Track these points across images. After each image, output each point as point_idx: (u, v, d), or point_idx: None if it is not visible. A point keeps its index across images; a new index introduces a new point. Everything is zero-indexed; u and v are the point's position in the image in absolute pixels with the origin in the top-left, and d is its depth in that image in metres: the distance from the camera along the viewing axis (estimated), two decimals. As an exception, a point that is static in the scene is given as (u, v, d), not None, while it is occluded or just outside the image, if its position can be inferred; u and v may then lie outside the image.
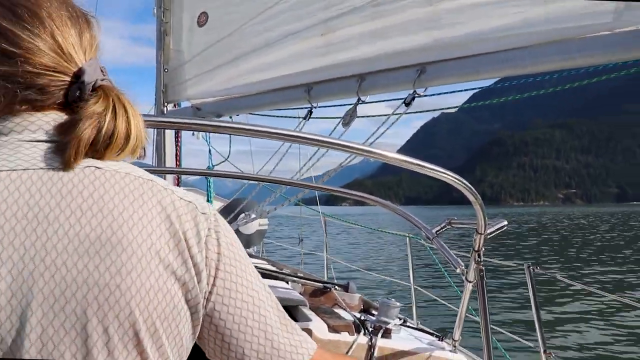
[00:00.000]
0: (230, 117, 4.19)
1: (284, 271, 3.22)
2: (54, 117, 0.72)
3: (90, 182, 0.68)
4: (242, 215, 4.61)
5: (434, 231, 2.08)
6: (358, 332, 2.33)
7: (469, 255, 2.02)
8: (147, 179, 0.75)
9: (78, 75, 0.73)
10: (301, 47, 3.31)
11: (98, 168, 0.70)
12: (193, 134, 4.77)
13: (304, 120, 3.51)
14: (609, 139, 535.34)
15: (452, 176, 1.54)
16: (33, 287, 0.61)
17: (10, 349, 0.60)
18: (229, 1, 3.86)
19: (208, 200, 4.92)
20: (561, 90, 2.97)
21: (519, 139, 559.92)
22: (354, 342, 2.23)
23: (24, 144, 0.68)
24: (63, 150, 0.68)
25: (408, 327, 2.76)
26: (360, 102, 3.09)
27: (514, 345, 4.54)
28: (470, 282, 2.05)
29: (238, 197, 5.19)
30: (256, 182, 4.11)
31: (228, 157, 4.68)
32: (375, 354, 2.22)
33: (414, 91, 2.79)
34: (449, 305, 5.09)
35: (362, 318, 2.50)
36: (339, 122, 3.23)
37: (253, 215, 4.51)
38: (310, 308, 2.54)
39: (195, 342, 0.79)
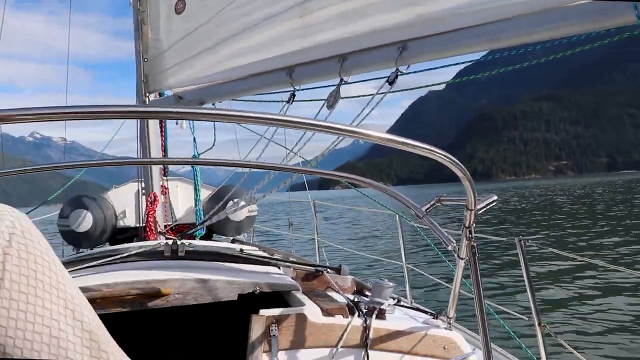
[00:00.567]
0: (213, 104, 4.16)
1: (275, 256, 3.23)
2: None
3: None
4: (231, 202, 4.60)
5: (423, 209, 2.07)
6: (352, 314, 2.33)
7: (460, 232, 2.03)
8: None
9: None
10: (280, 30, 3.28)
11: None
12: (177, 122, 4.74)
13: (288, 104, 3.49)
14: (596, 108, 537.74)
15: (438, 153, 1.52)
16: None
17: None
18: (205, -14, 3.82)
19: (195, 189, 4.91)
20: (545, 62, 2.96)
21: (507, 113, 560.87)
22: (348, 324, 2.24)
23: None
24: None
25: (402, 306, 2.78)
26: (343, 82, 3.07)
27: (508, 319, 4.59)
28: (462, 259, 2.06)
29: (226, 184, 5.19)
30: (244, 170, 4.10)
31: (213, 145, 4.66)
32: (371, 335, 2.23)
33: (397, 69, 2.78)
34: (442, 282, 5.13)
35: (356, 300, 2.50)
36: (323, 105, 3.21)
37: (242, 203, 4.51)
38: (303, 292, 2.55)
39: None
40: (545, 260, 13.52)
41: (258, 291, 2.43)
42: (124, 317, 2.75)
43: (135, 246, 3.28)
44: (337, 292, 2.75)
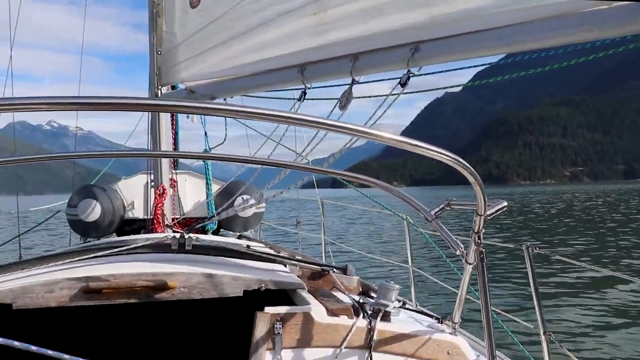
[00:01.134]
0: (225, 100, 4.19)
1: (281, 254, 3.25)
2: None
3: None
4: (240, 199, 4.63)
5: (432, 213, 2.07)
6: (357, 315, 2.34)
7: (469, 237, 2.04)
8: None
9: None
10: (294, 27, 3.30)
11: None
12: (187, 116, 4.79)
13: (299, 102, 3.51)
14: (615, 115, 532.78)
15: (450, 156, 1.53)
16: None
17: None
18: (221, -19, 3.84)
19: (207, 183, 4.96)
20: (567, 66, 2.95)
21: (523, 117, 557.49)
22: (353, 325, 2.25)
23: None
24: None
25: (407, 309, 2.79)
26: (355, 82, 3.09)
27: (513, 327, 4.59)
28: (470, 264, 2.06)
29: (236, 180, 5.22)
30: (255, 166, 4.12)
31: (224, 140, 4.69)
32: (375, 337, 2.24)
33: (409, 70, 2.78)
34: (447, 286, 5.14)
35: (361, 301, 2.52)
36: (336, 105, 3.23)
37: (252, 201, 4.55)
38: (308, 291, 2.57)
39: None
40: (553, 268, 13.46)
41: (263, 288, 2.45)
42: (129, 309, 2.79)
43: (142, 238, 3.32)
44: (342, 292, 2.77)
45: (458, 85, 3.60)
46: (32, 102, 1.09)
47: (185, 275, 2.40)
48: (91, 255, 2.71)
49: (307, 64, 3.27)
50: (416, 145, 1.44)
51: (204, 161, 5.01)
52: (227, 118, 4.50)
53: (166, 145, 4.83)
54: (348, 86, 3.12)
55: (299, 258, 3.24)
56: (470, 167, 1.62)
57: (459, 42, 2.60)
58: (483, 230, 1.97)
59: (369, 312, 2.38)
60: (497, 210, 1.95)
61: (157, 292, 2.34)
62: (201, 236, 3.44)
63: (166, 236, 3.03)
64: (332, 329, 2.24)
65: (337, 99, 3.26)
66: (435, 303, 9.56)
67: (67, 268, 2.53)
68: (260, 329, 2.16)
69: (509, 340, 4.36)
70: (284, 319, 2.19)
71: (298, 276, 2.83)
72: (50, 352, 1.53)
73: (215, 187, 5.31)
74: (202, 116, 4.73)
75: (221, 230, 5.66)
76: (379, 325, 2.28)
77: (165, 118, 4.80)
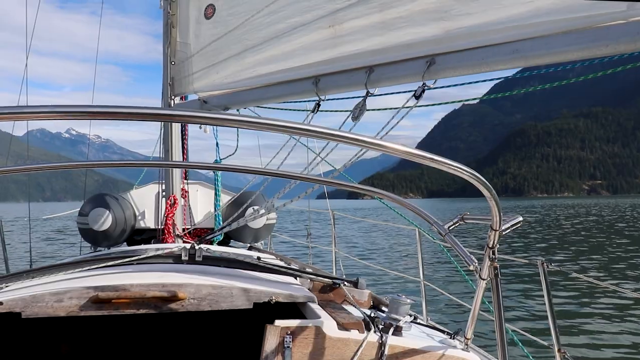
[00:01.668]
0: (238, 110, 4.25)
1: (292, 266, 3.27)
2: None
3: None
4: (250, 210, 4.67)
5: (446, 227, 2.08)
6: (368, 329, 2.35)
7: (482, 251, 2.04)
8: None
9: None
10: (308, 39, 3.35)
11: None
12: (200, 127, 4.85)
13: (312, 114, 3.55)
14: (636, 127, 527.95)
15: (466, 171, 1.54)
16: None
17: None
18: (236, -8, 3.91)
19: (216, 195, 5.00)
20: (584, 79, 2.96)
21: (542, 129, 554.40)
22: (364, 340, 2.25)
23: None
24: None
25: (419, 324, 2.79)
26: (370, 94, 3.12)
27: (527, 343, 4.55)
28: (483, 279, 2.07)
29: (246, 191, 5.27)
30: (265, 176, 4.15)
31: (235, 150, 4.74)
32: (386, 352, 2.25)
33: (424, 83, 2.82)
34: (459, 301, 5.12)
35: (372, 315, 2.52)
36: (349, 116, 3.26)
37: (262, 211, 4.58)
38: (319, 304, 2.58)
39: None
40: (569, 284, 13.33)
41: (274, 301, 2.47)
42: (138, 319, 2.82)
43: (152, 248, 3.36)
44: (353, 306, 2.77)
45: (473, 99, 3.62)
46: (45, 110, 1.12)
47: (194, 287, 2.42)
48: (101, 265, 2.74)
49: (321, 76, 3.32)
50: (432, 159, 1.44)
51: (213, 172, 5.06)
52: (239, 129, 4.56)
53: (177, 155, 4.88)
54: (362, 98, 3.15)
55: (310, 270, 3.26)
56: (486, 182, 1.64)
57: (475, 55, 2.63)
58: (497, 246, 1.98)
59: (380, 327, 2.38)
60: (512, 225, 1.96)
61: (167, 303, 2.36)
62: (212, 247, 3.48)
63: (177, 247, 3.07)
64: (343, 343, 2.24)
65: (350, 110, 3.29)
66: (447, 318, 9.52)
67: (77, 277, 2.57)
68: (270, 342, 2.17)
69: (523, 357, 4.33)
70: (294, 332, 2.20)
71: (309, 289, 2.84)
72: None
73: (226, 198, 5.36)
74: (215, 127, 4.78)
75: (231, 241, 5.70)
76: (390, 340, 2.28)
77: (176, 128, 4.86)
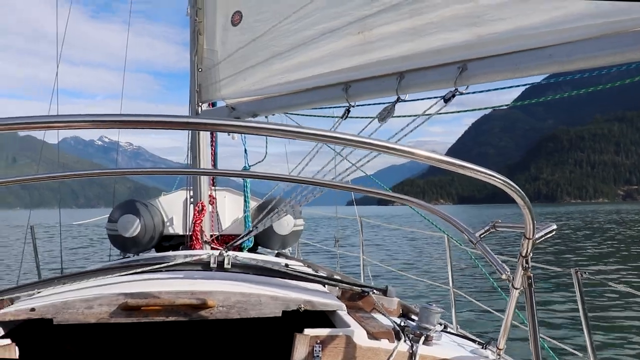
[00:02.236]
0: (266, 117, 4.29)
1: (320, 273, 3.28)
2: None
3: None
4: (275, 213, 4.71)
5: (477, 235, 2.07)
6: (398, 339, 2.34)
7: (513, 258, 2.02)
8: None
9: None
10: (338, 46, 3.37)
11: None
12: (228, 134, 4.90)
13: (341, 119, 3.57)
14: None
15: (499, 178, 1.53)
16: None
17: None
18: (263, 0, 3.95)
19: (245, 201, 5.06)
20: (620, 83, 2.92)
21: (575, 133, 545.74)
22: (394, 349, 2.25)
23: None
24: None
25: (449, 333, 2.78)
26: (400, 100, 3.13)
27: (562, 354, 4.48)
28: (517, 288, 2.05)
29: (272, 196, 5.31)
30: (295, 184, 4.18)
31: (264, 157, 4.78)
32: None
33: (456, 89, 2.82)
34: (488, 309, 5.07)
35: (402, 324, 2.52)
36: (375, 118, 3.28)
37: (289, 216, 4.61)
38: (347, 313, 2.58)
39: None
40: (605, 294, 13.05)
41: (302, 309, 2.48)
42: (166, 327, 2.86)
43: (180, 254, 3.40)
44: (382, 314, 2.77)
45: (504, 105, 3.59)
46: (75, 120, 1.16)
47: (223, 294, 2.45)
48: (131, 272, 2.79)
49: (351, 82, 3.34)
50: (463, 166, 1.44)
51: (243, 179, 5.11)
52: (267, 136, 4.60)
53: (205, 162, 4.95)
54: (391, 103, 3.16)
55: (338, 278, 3.26)
56: (520, 190, 1.63)
57: (508, 60, 2.63)
58: (531, 255, 1.96)
59: (411, 336, 2.38)
60: (546, 234, 1.94)
61: (196, 311, 2.39)
62: (240, 254, 3.51)
63: (205, 254, 3.10)
64: (373, 352, 2.24)
65: (377, 115, 3.30)
66: (476, 327, 9.42)
67: (107, 284, 2.62)
68: (300, 351, 2.18)
69: (560, 364, 4.26)
70: (323, 341, 2.21)
71: (337, 297, 2.85)
72: None
73: (253, 204, 5.40)
74: (243, 134, 4.83)
75: (259, 247, 5.74)
76: (421, 349, 2.28)
77: (205, 136, 4.93)
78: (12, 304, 2.48)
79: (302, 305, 2.49)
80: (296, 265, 3.53)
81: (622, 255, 24.57)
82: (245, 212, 5.06)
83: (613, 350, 8.95)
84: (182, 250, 5.05)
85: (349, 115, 3.52)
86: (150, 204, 5.53)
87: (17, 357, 2.14)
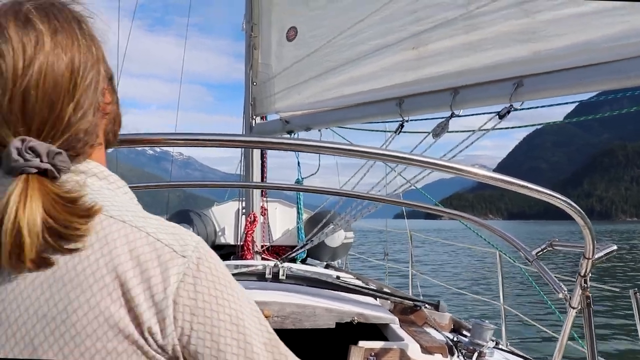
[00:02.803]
0: (319, 131, 4.36)
1: (371, 286, 3.32)
2: None
3: None
4: (329, 227, 4.77)
5: (533, 253, 2.07)
6: (452, 354, 2.36)
7: (571, 278, 2.01)
8: (117, 221, 0.77)
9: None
10: (392, 61, 3.42)
11: None
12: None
13: (394, 134, 3.61)
14: None
15: (557, 197, 1.53)
16: None
17: None
18: (318, 15, 4.05)
19: (298, 213, 5.16)
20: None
21: (632, 149, 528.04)
22: None
23: None
24: None
25: (501, 349, 2.77)
26: (455, 115, 3.15)
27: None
28: (574, 308, 2.03)
29: (324, 209, 5.39)
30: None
31: (317, 170, 4.85)
32: None
33: (511, 105, 2.82)
34: (541, 327, 4.99)
35: (455, 339, 2.54)
36: (429, 134, 3.30)
37: (340, 229, 4.67)
38: (400, 326, 2.61)
39: None
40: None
41: (356, 321, 2.53)
42: None
43: (232, 264, 3.49)
44: (435, 329, 2.79)
45: (557, 121, 3.57)
46: (130, 138, 1.26)
47: (279, 305, 2.51)
48: None
49: (405, 97, 3.38)
50: (524, 187, 1.45)
51: (296, 192, 5.22)
52: (318, 153, 4.68)
53: (257, 174, 5.07)
54: (445, 119, 3.19)
55: (389, 291, 3.29)
56: (579, 209, 1.63)
57: (567, 76, 2.61)
58: (590, 275, 1.95)
59: (464, 352, 2.39)
60: (606, 254, 1.93)
61: None
62: (293, 265, 3.58)
63: (260, 264, 3.19)
64: None
65: (431, 131, 3.33)
66: (527, 345, 9.23)
67: None
68: None
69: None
70: (378, 354, 2.25)
71: (390, 310, 2.88)
72: None
73: (304, 216, 5.49)
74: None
75: (309, 258, 5.82)
76: None
77: (257, 150, 5.05)
78: None
79: (356, 318, 2.53)
80: (347, 278, 3.58)
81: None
82: (298, 223, 5.16)
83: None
84: (233, 259, 5.17)
85: (402, 130, 3.56)
86: (203, 214, 5.68)
87: None
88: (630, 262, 31.08)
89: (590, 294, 1.93)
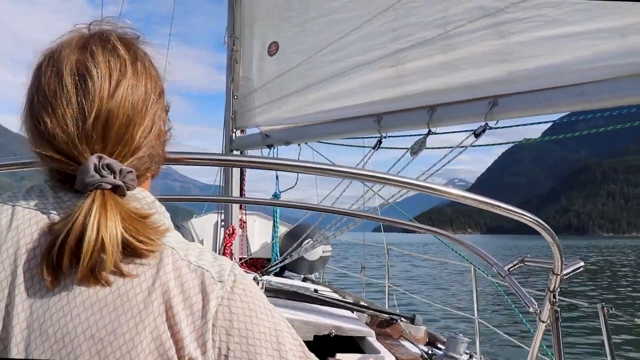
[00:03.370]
0: (299, 145, 4.42)
1: (348, 300, 3.37)
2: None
3: None
4: (307, 241, 4.81)
5: (506, 268, 2.14)
6: None
7: (541, 292, 2.08)
8: (167, 247, 0.81)
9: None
10: (371, 78, 3.50)
11: None
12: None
13: (373, 150, 3.68)
14: None
15: (527, 216, 1.59)
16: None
17: None
18: (299, 31, 4.12)
19: (274, 227, 5.18)
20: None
21: (607, 166, 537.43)
22: None
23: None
24: None
25: None
26: (431, 133, 3.23)
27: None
28: (543, 322, 2.10)
29: (302, 223, 5.43)
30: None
31: (295, 184, 4.90)
32: None
33: (486, 123, 2.91)
34: (514, 341, 5.09)
35: (430, 352, 2.60)
36: (407, 151, 3.38)
37: (317, 244, 4.71)
38: (377, 339, 2.67)
39: None
40: (632, 330, 12.77)
41: (333, 334, 2.58)
42: None
43: None
44: (410, 342, 2.85)
45: (533, 139, 3.67)
46: None
47: None
48: None
49: (384, 114, 3.45)
50: (491, 204, 1.52)
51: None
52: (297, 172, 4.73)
53: (236, 187, 5.09)
54: (422, 136, 3.27)
55: (367, 305, 3.35)
56: (549, 228, 1.70)
57: (539, 97, 2.71)
58: (558, 290, 2.02)
59: (438, 365, 2.45)
60: (573, 270, 2.00)
61: None
62: (272, 279, 3.62)
63: None
64: None
65: (409, 148, 3.40)
66: (500, 357, 9.36)
67: None
68: None
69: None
70: None
71: (366, 323, 2.94)
72: None
73: (282, 229, 5.53)
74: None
75: (286, 271, 5.84)
76: None
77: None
78: None
79: (333, 331, 2.58)
80: (325, 291, 3.63)
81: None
82: (273, 238, 5.19)
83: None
84: None
85: (380, 146, 3.63)
86: (182, 226, 5.69)
87: None
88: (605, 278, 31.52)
89: (558, 309, 2.00)
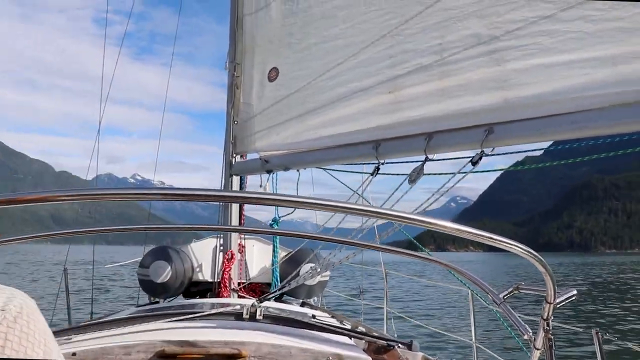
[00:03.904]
0: (298, 171, 4.45)
1: (346, 325, 3.38)
2: None
3: None
4: (307, 267, 4.83)
5: (501, 296, 2.16)
6: None
7: (536, 318, 2.10)
8: None
9: None
10: (369, 104, 3.55)
11: None
12: (261, 185, 5.08)
13: (371, 177, 3.71)
14: None
15: (519, 247, 1.63)
16: None
17: None
18: (299, 57, 4.18)
19: (274, 252, 5.20)
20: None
21: (610, 182, 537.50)
22: None
23: None
24: None
25: None
26: (429, 159, 3.27)
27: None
28: (537, 349, 2.13)
29: (303, 248, 5.44)
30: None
31: (294, 210, 4.92)
32: None
33: (482, 151, 2.95)
34: None
35: (427, 379, 2.60)
36: (405, 179, 3.41)
37: (317, 269, 4.72)
38: None
39: None
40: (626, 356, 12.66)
41: None
42: None
43: (208, 302, 3.52)
44: None
45: (530, 166, 3.70)
46: (107, 193, 1.30)
47: (256, 345, 2.57)
48: (167, 320, 2.93)
49: (381, 141, 3.49)
50: (483, 236, 1.55)
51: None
52: (298, 185, 4.78)
53: (235, 214, 5.12)
54: (420, 163, 3.30)
55: (364, 330, 3.36)
56: (540, 257, 1.73)
57: (534, 125, 2.75)
58: (552, 318, 2.05)
59: (436, 392, 2.45)
60: (566, 299, 2.02)
61: None
62: (271, 305, 3.63)
63: (238, 303, 3.23)
64: None
65: (408, 174, 3.44)
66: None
67: (143, 331, 2.76)
68: None
69: None
70: None
71: (364, 349, 2.94)
72: None
73: (282, 254, 5.54)
74: (274, 183, 5.01)
75: (285, 296, 5.84)
76: None
77: (236, 185, 5.13)
78: None
79: (330, 358, 2.59)
80: (322, 316, 3.64)
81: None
82: (273, 264, 5.20)
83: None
84: (209, 296, 5.18)
85: (378, 173, 3.66)
86: (181, 250, 5.70)
87: None
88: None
89: (552, 336, 2.02)
